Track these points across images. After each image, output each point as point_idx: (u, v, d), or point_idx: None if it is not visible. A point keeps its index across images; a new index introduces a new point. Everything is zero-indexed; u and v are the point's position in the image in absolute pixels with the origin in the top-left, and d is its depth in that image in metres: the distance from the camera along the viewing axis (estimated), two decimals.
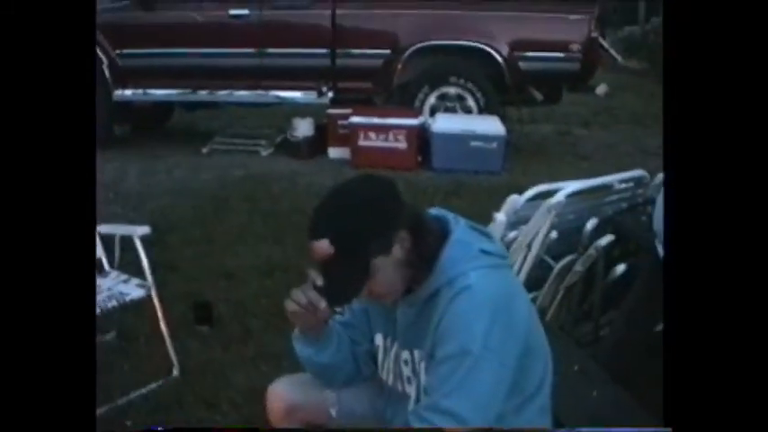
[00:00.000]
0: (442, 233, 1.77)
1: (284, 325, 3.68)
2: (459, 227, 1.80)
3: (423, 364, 1.80)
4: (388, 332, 1.93)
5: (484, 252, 1.77)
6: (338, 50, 6.92)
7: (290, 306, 1.76)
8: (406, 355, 1.88)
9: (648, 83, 11.69)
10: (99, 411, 2.80)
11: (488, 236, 1.86)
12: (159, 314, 3.18)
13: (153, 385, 3.14)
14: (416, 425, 1.66)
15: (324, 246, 1.66)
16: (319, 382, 2.04)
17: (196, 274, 4.38)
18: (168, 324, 3.25)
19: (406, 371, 1.90)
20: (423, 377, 1.81)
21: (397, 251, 1.71)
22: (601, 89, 10.53)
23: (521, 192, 3.21)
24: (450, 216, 1.84)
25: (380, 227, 1.69)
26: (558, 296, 2.98)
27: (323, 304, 1.71)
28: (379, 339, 1.97)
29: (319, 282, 1.70)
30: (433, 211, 1.87)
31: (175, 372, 3.25)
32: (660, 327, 2.90)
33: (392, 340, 1.93)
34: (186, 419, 2.95)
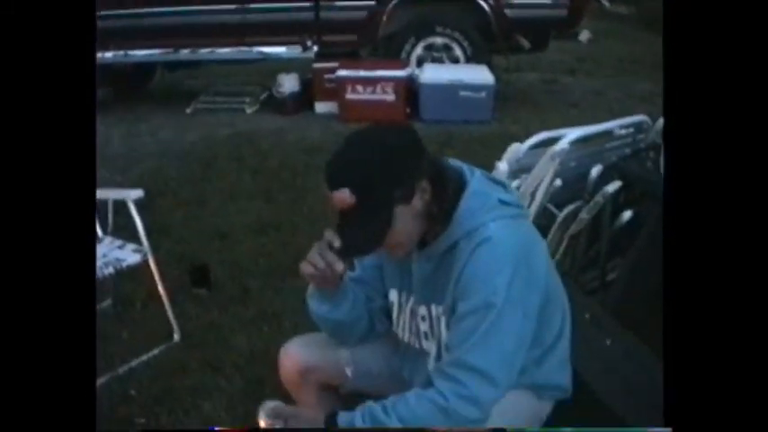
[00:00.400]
0: (459, 184, 1.71)
1: (282, 284, 3.71)
2: (476, 177, 1.74)
3: (443, 320, 1.76)
4: (403, 287, 1.88)
5: (502, 202, 1.71)
6: (322, 3, 6.77)
7: (306, 269, 1.70)
8: (423, 310, 1.83)
9: (631, 28, 11.63)
10: (100, 381, 2.76)
11: (504, 185, 1.81)
12: (157, 278, 3.11)
13: (154, 351, 3.09)
14: (440, 382, 1.61)
15: (345, 195, 1.60)
16: (333, 340, 1.99)
17: (189, 236, 4.31)
18: (166, 288, 3.18)
19: (424, 326, 1.85)
20: (443, 333, 1.76)
21: (418, 201, 1.65)
22: (584, 36, 10.41)
23: (512, 140, 3.15)
24: (464, 166, 1.78)
25: (403, 175, 1.63)
26: (563, 244, 2.93)
27: (340, 266, 1.66)
28: (393, 295, 1.92)
29: (336, 243, 1.63)
30: (448, 162, 1.80)
31: (176, 336, 3.20)
32: None
33: (407, 296, 1.88)
34: (191, 384, 2.90)
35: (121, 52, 6.99)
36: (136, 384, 2.90)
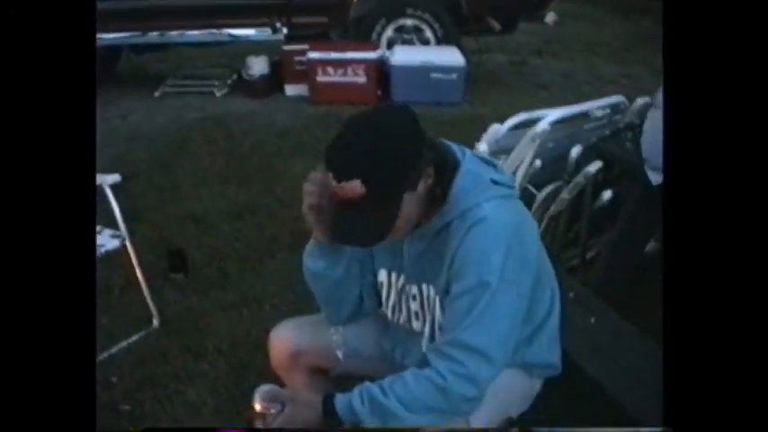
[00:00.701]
0: (453, 164, 1.71)
1: (261, 267, 3.69)
2: (467, 157, 1.74)
3: (436, 300, 1.76)
4: (394, 267, 1.88)
5: (494, 182, 1.71)
6: None
7: (307, 187, 1.65)
8: (414, 289, 1.83)
9: (596, 11, 11.68)
10: None
11: (495, 165, 1.80)
12: (135, 264, 3.09)
13: (134, 337, 3.07)
14: (438, 362, 1.61)
15: (356, 187, 1.56)
16: (323, 323, 1.98)
17: (163, 221, 4.27)
18: (144, 274, 3.15)
19: (414, 306, 1.86)
20: (437, 313, 1.77)
21: (422, 186, 1.64)
22: (550, 18, 10.51)
23: (483, 122, 3.17)
24: (455, 146, 1.77)
25: (411, 163, 1.61)
26: (543, 224, 2.96)
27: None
28: (383, 275, 1.92)
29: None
30: (439, 142, 1.80)
31: (155, 322, 3.18)
32: (649, 246, 2.92)
33: (398, 275, 1.87)
34: (173, 371, 2.89)
35: None
36: (117, 371, 2.88)
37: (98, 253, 2.89)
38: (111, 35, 6.83)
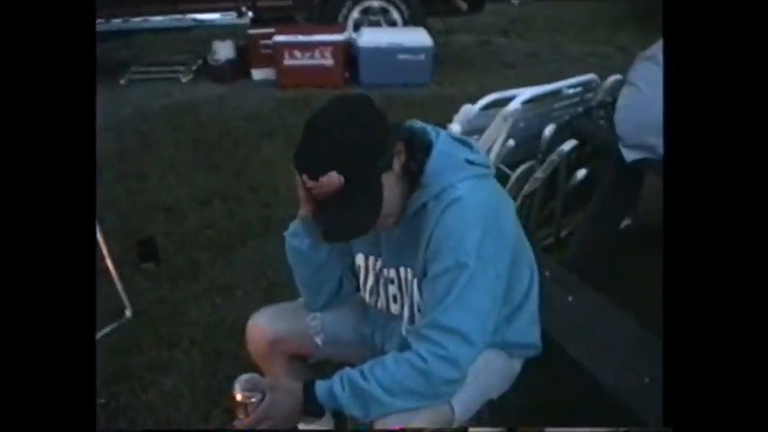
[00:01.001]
0: (426, 144, 1.69)
1: (232, 254, 3.66)
2: (441, 138, 1.72)
3: (414, 283, 1.74)
4: (371, 251, 1.86)
5: (468, 162, 1.70)
6: None
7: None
8: (392, 273, 1.82)
9: None
10: None
11: (470, 145, 1.79)
12: (106, 254, 3.03)
13: (107, 329, 3.02)
14: (418, 344, 1.60)
15: (333, 179, 1.55)
16: (304, 296, 1.97)
17: (132, 211, 4.21)
18: (115, 264, 3.10)
19: (392, 290, 1.84)
20: (415, 295, 1.75)
21: (397, 164, 1.63)
22: None
23: (451, 102, 3.15)
24: (428, 127, 1.75)
25: (381, 142, 1.60)
26: (517, 203, 2.95)
27: None
28: (360, 259, 1.90)
29: None
30: (410, 123, 1.78)
31: (128, 313, 3.13)
32: (624, 223, 2.93)
33: (375, 259, 1.86)
34: (148, 361, 2.85)
35: None
36: None
37: None
38: None
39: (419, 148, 1.67)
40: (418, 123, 1.77)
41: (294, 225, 1.83)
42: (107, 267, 3.06)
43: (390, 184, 1.62)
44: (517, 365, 1.93)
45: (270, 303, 2.10)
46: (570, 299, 2.31)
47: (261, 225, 3.92)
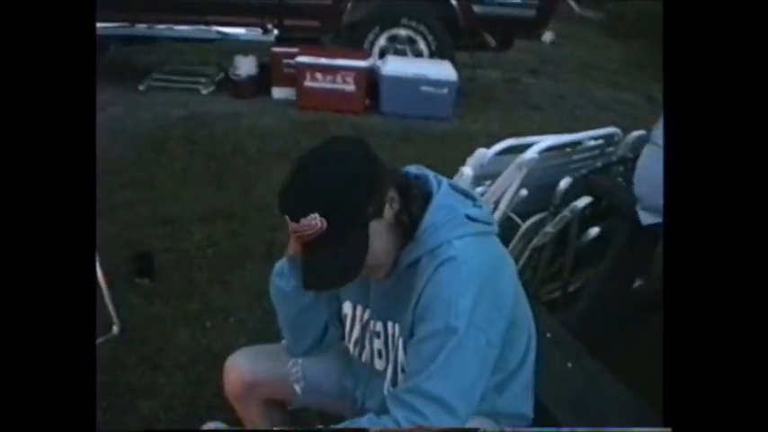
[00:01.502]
0: (425, 193, 1.60)
1: (230, 277, 3.56)
2: (442, 189, 1.62)
3: (400, 340, 1.64)
4: (359, 301, 1.76)
5: (469, 218, 1.59)
6: None
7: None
8: (378, 326, 1.72)
9: (594, 33, 11.64)
10: None
11: (473, 198, 1.69)
12: (97, 264, 2.94)
13: None
14: (396, 410, 1.50)
15: (314, 221, 1.45)
16: (287, 338, 1.86)
17: (134, 221, 4.14)
18: (106, 277, 3.01)
19: (377, 344, 1.74)
20: (400, 354, 1.65)
21: (389, 212, 1.54)
22: (547, 36, 10.37)
23: (471, 140, 3.05)
24: (430, 174, 1.66)
25: (371, 187, 1.50)
26: (525, 256, 2.85)
27: None
28: (347, 308, 1.80)
29: None
30: (412, 168, 1.69)
31: (115, 329, 3.04)
32: (636, 284, 2.82)
33: (363, 309, 1.76)
34: (129, 382, 2.75)
35: None
36: None
37: None
38: (98, 24, 6.67)
39: (415, 198, 1.58)
40: (421, 170, 1.67)
41: (280, 264, 1.74)
42: (97, 279, 2.97)
43: (380, 233, 1.52)
44: None
45: (261, 333, 2.01)
46: (569, 365, 2.20)
47: (263, 249, 3.83)
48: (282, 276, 1.74)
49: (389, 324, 1.68)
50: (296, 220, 1.47)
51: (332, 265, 1.50)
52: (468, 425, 1.59)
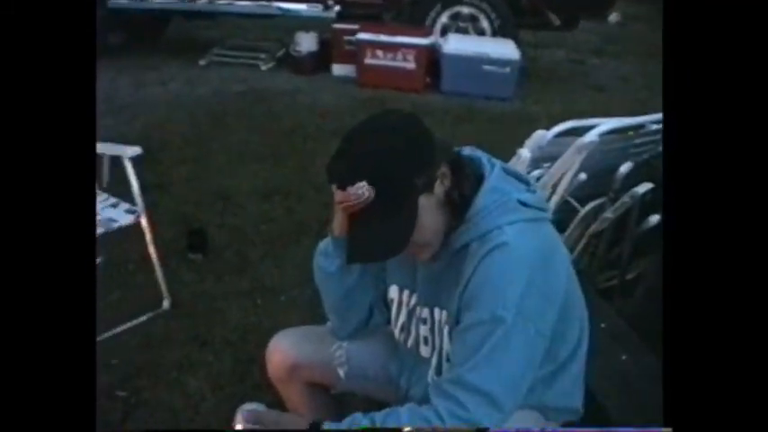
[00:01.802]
0: (477, 175, 1.53)
1: (284, 253, 3.54)
2: (495, 171, 1.55)
3: (446, 328, 1.58)
4: (406, 285, 1.71)
5: (521, 203, 1.52)
6: None
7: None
8: (425, 312, 1.66)
9: (660, 14, 11.30)
10: None
11: (527, 182, 1.62)
12: (149, 241, 2.95)
13: (142, 318, 2.94)
14: (438, 400, 1.44)
15: (362, 189, 1.40)
16: (332, 321, 1.82)
17: (189, 196, 4.16)
18: (158, 252, 3.02)
19: (424, 330, 1.68)
20: (445, 342, 1.59)
21: (439, 188, 1.48)
22: (613, 17, 10.14)
23: (532, 121, 2.95)
24: (483, 157, 1.59)
25: (423, 159, 1.44)
26: (582, 242, 2.76)
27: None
28: (394, 292, 1.75)
29: None
30: (466, 149, 1.62)
31: (165, 304, 3.05)
32: None
33: (410, 294, 1.71)
34: (177, 358, 2.76)
35: None
36: (119, 353, 2.75)
37: (110, 228, 2.76)
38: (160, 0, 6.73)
39: (467, 177, 1.51)
40: (476, 152, 1.60)
41: (324, 243, 1.69)
42: (149, 254, 2.98)
43: (429, 209, 1.46)
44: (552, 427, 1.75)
45: (312, 312, 1.97)
46: (624, 357, 2.11)
47: (319, 226, 3.79)
48: (327, 256, 1.70)
49: (436, 310, 1.63)
50: (343, 188, 1.42)
51: (378, 238, 1.45)
52: (514, 418, 1.53)
